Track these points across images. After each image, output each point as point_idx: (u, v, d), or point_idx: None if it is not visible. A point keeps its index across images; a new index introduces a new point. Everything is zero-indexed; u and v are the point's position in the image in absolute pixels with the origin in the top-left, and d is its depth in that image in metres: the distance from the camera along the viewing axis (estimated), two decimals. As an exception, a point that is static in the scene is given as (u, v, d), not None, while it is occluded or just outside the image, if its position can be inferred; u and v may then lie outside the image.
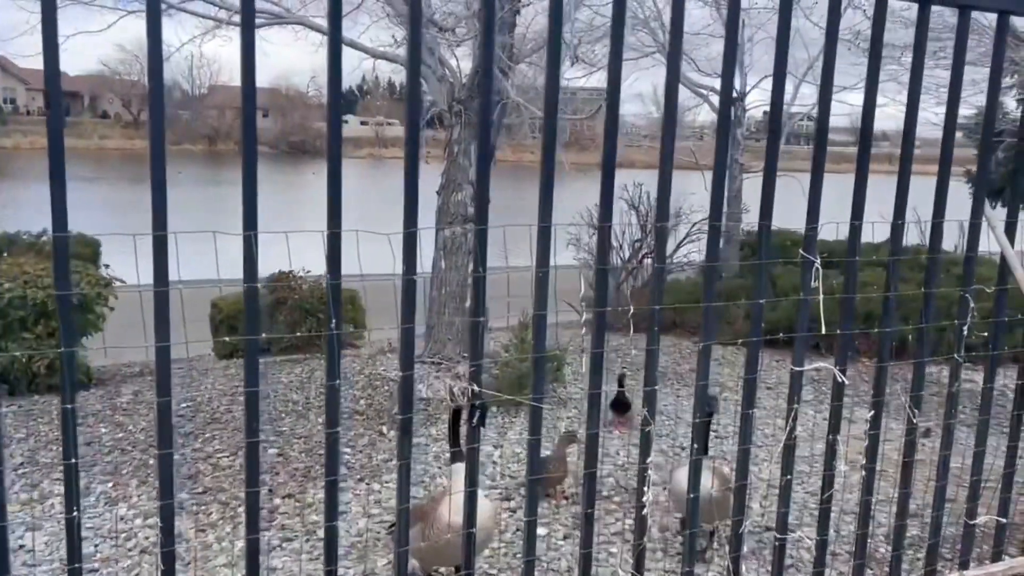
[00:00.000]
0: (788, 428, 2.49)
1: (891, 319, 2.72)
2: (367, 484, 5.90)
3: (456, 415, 3.85)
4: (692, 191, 11.63)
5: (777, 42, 2.54)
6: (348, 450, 6.51)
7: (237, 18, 9.17)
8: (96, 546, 4.87)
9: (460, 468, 3.24)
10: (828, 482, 2.76)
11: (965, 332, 2.82)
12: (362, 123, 72.62)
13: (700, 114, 15.72)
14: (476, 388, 2.06)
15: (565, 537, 4.95)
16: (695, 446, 2.43)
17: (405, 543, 2.20)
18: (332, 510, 2.15)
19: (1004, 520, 3.02)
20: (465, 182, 8.23)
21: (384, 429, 6.97)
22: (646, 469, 2.32)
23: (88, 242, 10.58)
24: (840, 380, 2.58)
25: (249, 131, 1.99)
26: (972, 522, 3.01)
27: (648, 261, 11.65)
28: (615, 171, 2.41)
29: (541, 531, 5.04)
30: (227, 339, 8.77)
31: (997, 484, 3.13)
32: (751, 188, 12.22)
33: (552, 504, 5.42)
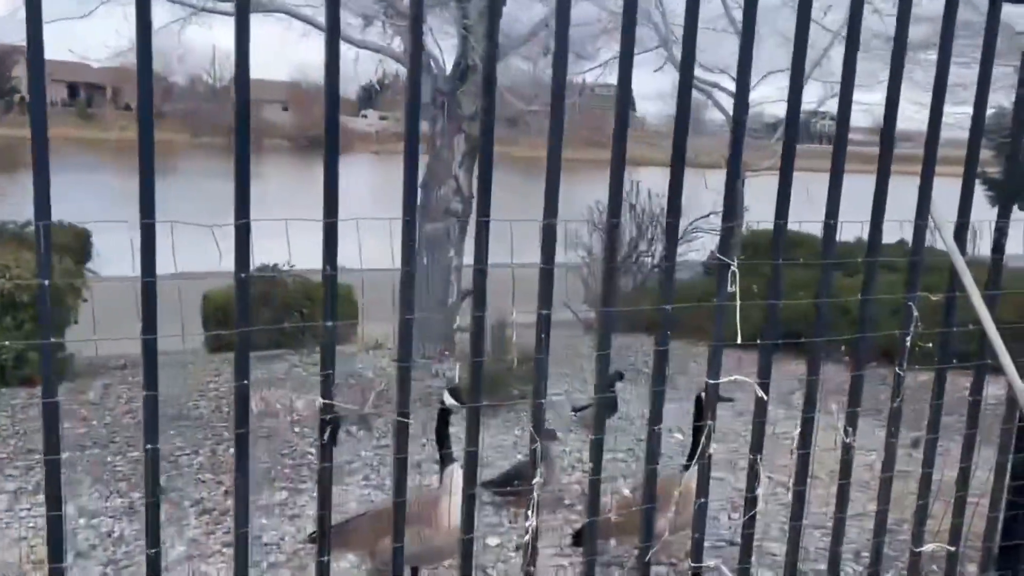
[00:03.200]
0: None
1: (824, 327, 2.47)
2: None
3: (443, 416, 3.65)
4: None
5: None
6: (312, 451, 6.33)
7: (215, 4, 9.00)
8: (32, 547, 4.71)
9: (456, 470, 3.43)
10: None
11: (908, 343, 2.57)
12: (381, 118, 72.62)
13: (704, 111, 15.38)
14: (326, 402, 1.84)
15: (518, 548, 4.72)
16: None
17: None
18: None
19: (953, 548, 2.76)
20: (448, 176, 8.03)
21: (353, 428, 6.78)
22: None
23: (77, 232, 10.45)
24: (760, 395, 2.33)
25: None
26: (918, 550, 2.76)
27: (645, 260, 11.38)
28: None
29: (493, 541, 4.83)
30: (204, 332, 8.63)
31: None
32: (753, 187, 11.91)
33: (513, 512, 5.20)
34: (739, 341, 2.21)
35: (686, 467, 4.35)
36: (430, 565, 4.04)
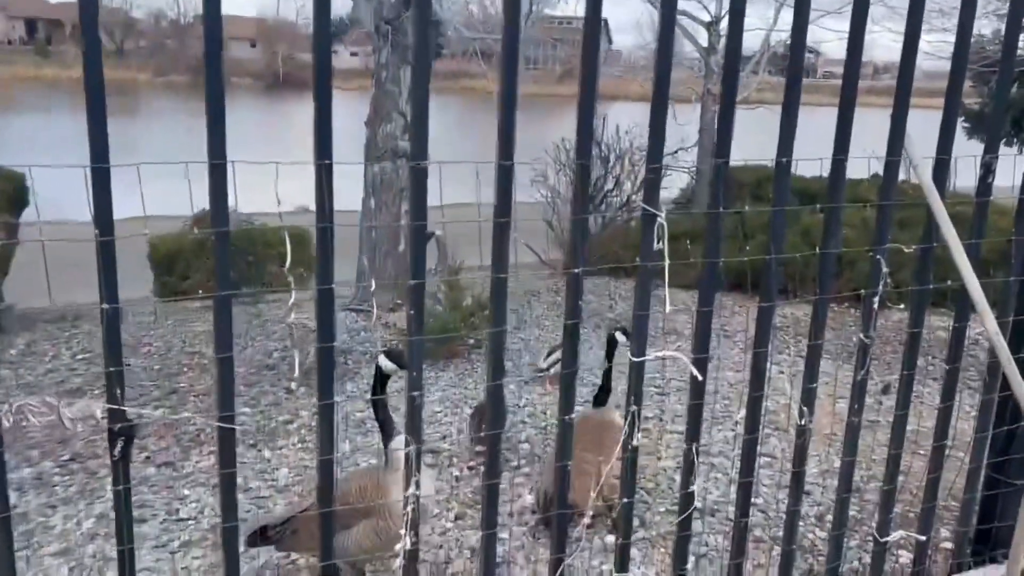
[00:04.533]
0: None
1: (772, 282, 2.05)
2: (258, 450, 5.32)
3: (380, 381, 3.24)
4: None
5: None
6: (247, 411, 5.91)
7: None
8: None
9: (401, 443, 2.98)
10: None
11: (875, 304, 2.15)
12: (352, 54, 70.71)
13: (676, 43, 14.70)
14: (111, 407, 1.39)
15: (457, 518, 4.36)
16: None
17: None
18: None
19: (924, 538, 2.39)
20: (395, 111, 7.47)
21: (292, 386, 6.36)
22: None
23: (9, 176, 9.74)
24: (695, 375, 1.91)
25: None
26: (883, 540, 2.39)
27: (612, 200, 10.93)
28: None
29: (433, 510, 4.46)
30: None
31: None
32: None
33: (452, 475, 4.84)
34: (667, 308, 1.78)
35: (596, 404, 4.30)
36: (384, 556, 3.49)
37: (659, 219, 1.83)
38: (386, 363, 3.18)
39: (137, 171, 1.52)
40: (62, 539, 4.14)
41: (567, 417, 1.85)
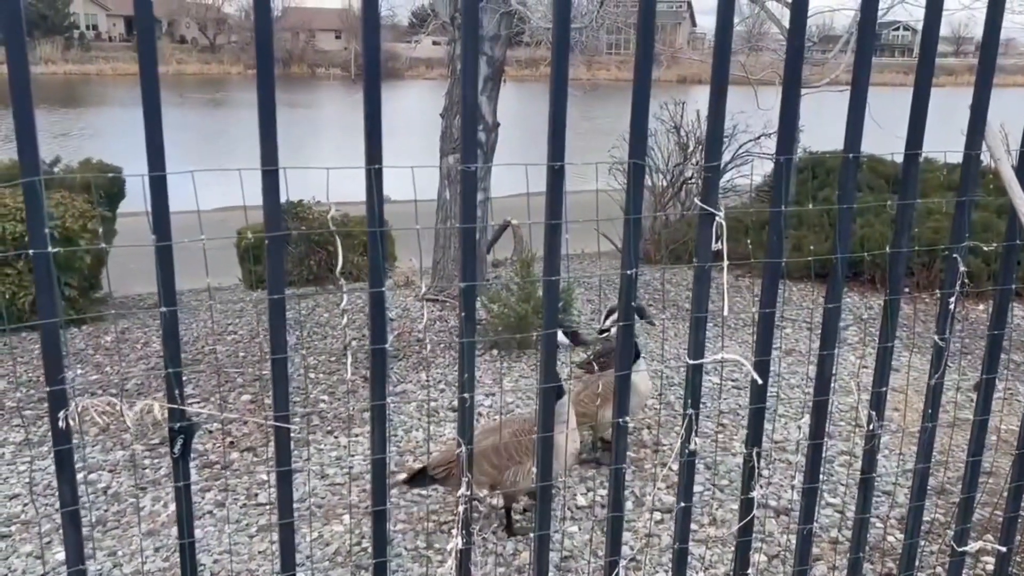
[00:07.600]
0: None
1: (838, 283, 1.98)
2: (335, 437, 5.45)
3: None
4: (741, 109, 10.59)
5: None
6: (325, 398, 6.06)
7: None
8: (24, 506, 4.55)
9: (566, 401, 3.61)
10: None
11: (952, 304, 2.05)
12: (434, 43, 71.38)
13: (757, 23, 14.25)
14: (171, 407, 1.44)
15: (525, 511, 4.37)
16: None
17: None
18: None
19: (1004, 549, 2.28)
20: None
21: (368, 374, 6.49)
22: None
23: (110, 170, 10.22)
24: (755, 379, 1.86)
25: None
26: (961, 549, 2.28)
27: (691, 188, 10.72)
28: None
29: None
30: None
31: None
32: (809, 105, 11.02)
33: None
34: (725, 310, 1.74)
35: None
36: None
37: (717, 218, 1.78)
38: (562, 338, 3.83)
39: (192, 178, 1.56)
40: (149, 520, 4.33)
41: (621, 420, 1.83)
